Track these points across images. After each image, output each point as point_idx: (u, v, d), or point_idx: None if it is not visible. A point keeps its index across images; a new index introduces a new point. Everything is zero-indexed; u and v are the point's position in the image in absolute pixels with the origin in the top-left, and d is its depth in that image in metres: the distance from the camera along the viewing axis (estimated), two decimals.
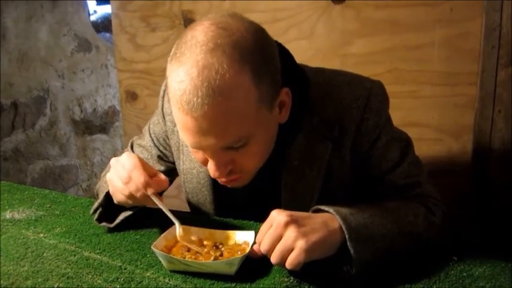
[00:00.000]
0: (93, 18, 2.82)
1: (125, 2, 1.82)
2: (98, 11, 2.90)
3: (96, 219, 0.85)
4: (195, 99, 0.62)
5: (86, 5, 2.66)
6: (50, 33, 2.44)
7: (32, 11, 2.33)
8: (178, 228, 0.74)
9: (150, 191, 0.72)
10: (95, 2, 2.84)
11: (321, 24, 1.45)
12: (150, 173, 0.75)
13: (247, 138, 0.69)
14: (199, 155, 0.74)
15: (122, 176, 0.74)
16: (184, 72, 0.63)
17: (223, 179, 0.75)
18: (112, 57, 2.63)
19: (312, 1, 1.45)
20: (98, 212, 0.85)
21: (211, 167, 0.71)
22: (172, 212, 0.76)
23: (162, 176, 0.75)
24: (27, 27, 2.32)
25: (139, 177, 0.73)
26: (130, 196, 0.75)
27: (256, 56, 0.66)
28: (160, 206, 0.74)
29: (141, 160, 0.76)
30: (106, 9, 2.77)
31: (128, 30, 1.85)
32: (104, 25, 2.83)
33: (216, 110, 0.63)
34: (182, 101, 0.64)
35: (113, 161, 0.78)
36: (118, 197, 0.78)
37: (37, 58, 2.39)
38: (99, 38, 2.73)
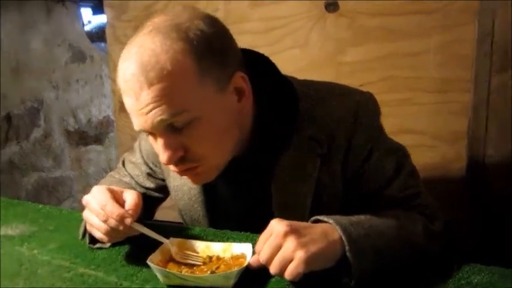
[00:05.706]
0: (87, 28, 2.82)
1: (120, 12, 1.83)
2: (92, 21, 2.89)
3: (89, 243, 0.83)
4: (130, 77, 0.66)
5: (80, 15, 2.66)
6: (44, 44, 2.44)
7: (25, 21, 2.32)
8: (171, 247, 0.73)
9: (128, 222, 0.70)
10: (90, 12, 2.84)
11: (315, 32, 1.45)
12: (123, 202, 0.74)
13: (191, 116, 0.68)
14: (156, 146, 0.73)
15: (98, 213, 0.72)
16: (123, 59, 0.68)
17: (179, 168, 0.73)
18: (107, 67, 2.62)
19: (306, 10, 1.46)
20: (88, 235, 0.82)
21: (160, 151, 0.70)
22: (168, 225, 0.75)
23: (133, 201, 0.73)
24: (21, 38, 2.31)
25: (114, 211, 0.70)
26: (110, 231, 0.73)
27: (195, 35, 0.67)
28: (145, 232, 0.73)
29: (111, 191, 0.74)
30: (101, 19, 2.77)
31: (122, 40, 1.85)
32: (98, 35, 2.83)
33: (150, 84, 0.65)
34: (124, 83, 0.68)
35: (85, 198, 0.76)
36: (97, 234, 0.76)
37: (31, 69, 2.38)
38: (94, 48, 2.73)
